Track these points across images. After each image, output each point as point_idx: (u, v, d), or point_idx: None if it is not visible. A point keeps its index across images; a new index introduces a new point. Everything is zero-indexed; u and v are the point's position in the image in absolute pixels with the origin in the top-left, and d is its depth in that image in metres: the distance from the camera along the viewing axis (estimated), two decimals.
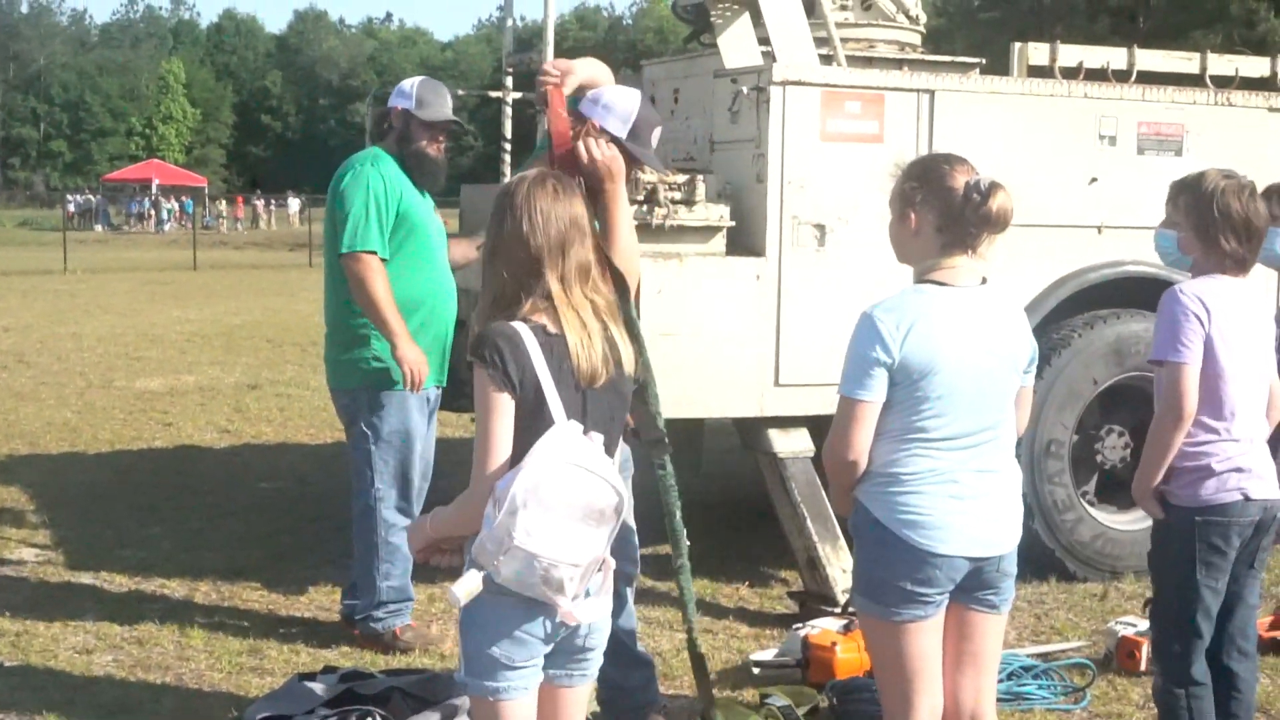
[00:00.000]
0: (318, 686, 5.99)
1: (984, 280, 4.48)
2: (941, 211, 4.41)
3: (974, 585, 4.46)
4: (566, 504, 3.68)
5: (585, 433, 3.82)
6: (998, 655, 4.74)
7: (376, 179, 6.85)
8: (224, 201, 77.95)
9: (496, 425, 3.80)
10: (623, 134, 5.44)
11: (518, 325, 3.86)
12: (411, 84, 7.13)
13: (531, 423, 3.80)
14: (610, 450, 3.99)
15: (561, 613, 3.79)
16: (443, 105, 7.09)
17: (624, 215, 5.14)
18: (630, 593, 5.82)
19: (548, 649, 3.92)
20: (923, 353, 4.28)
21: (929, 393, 4.30)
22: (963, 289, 4.40)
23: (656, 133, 5.59)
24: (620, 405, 4.06)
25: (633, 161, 5.51)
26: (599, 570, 3.88)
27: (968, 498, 4.36)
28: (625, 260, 4.82)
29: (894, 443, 4.36)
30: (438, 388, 7.07)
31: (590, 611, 3.88)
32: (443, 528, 4.01)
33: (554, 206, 3.96)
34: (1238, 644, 5.11)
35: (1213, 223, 4.93)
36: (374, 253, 6.76)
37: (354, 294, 6.82)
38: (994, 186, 4.39)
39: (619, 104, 5.50)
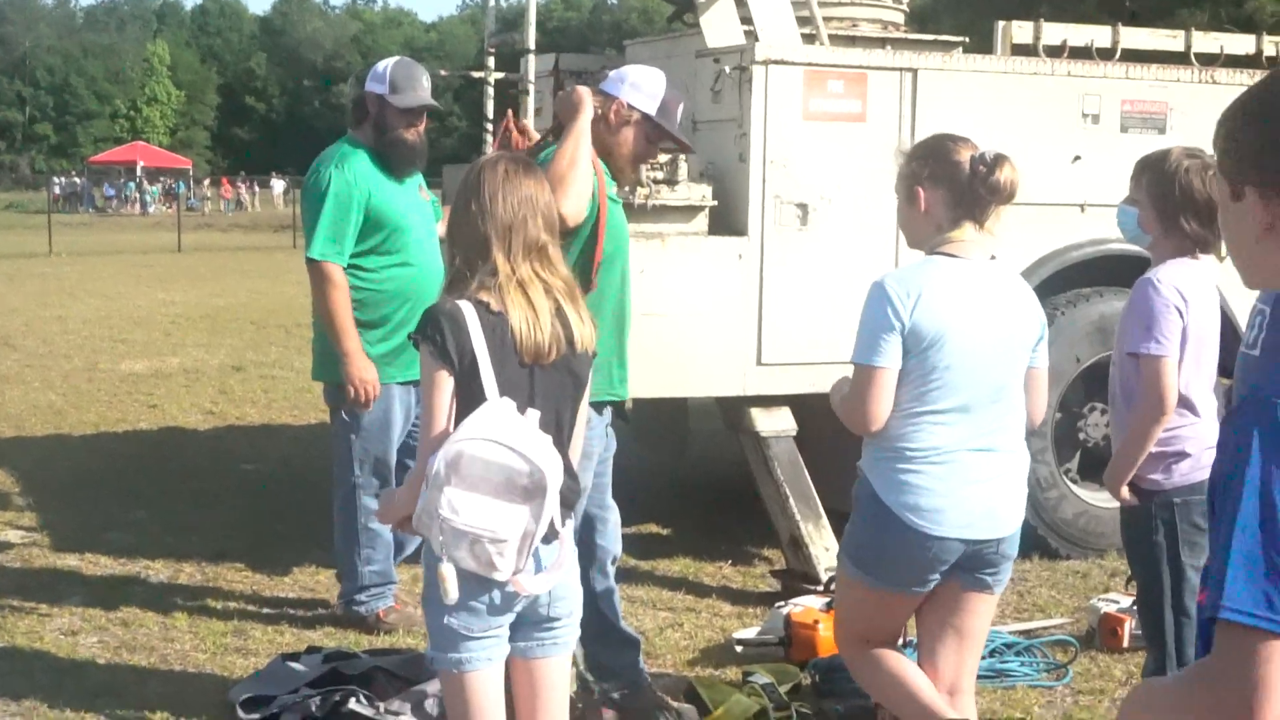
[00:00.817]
0: (301, 666, 6.02)
1: (993, 258, 4.52)
2: (950, 186, 4.46)
3: (973, 564, 4.48)
4: (486, 479, 3.74)
5: (524, 409, 3.87)
6: (984, 634, 4.78)
7: (340, 182, 6.77)
8: (209, 183, 77.75)
9: (437, 401, 3.90)
10: (653, 110, 5.53)
11: (461, 303, 3.93)
12: (385, 66, 7.00)
13: (468, 399, 3.88)
14: (561, 427, 4.04)
15: (512, 583, 3.84)
16: (418, 89, 6.96)
17: (573, 150, 5.22)
18: (612, 571, 5.84)
19: (507, 618, 3.97)
20: (932, 320, 4.30)
21: (937, 362, 4.32)
22: (972, 261, 4.43)
23: (681, 108, 5.70)
24: (573, 384, 4.10)
25: (662, 136, 5.62)
26: (550, 543, 3.93)
27: (971, 480, 4.39)
28: (560, 198, 4.81)
29: (902, 416, 4.39)
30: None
31: (541, 584, 3.92)
32: (399, 502, 4.07)
33: (503, 187, 4.02)
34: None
35: (1173, 201, 4.92)
36: (332, 261, 6.73)
37: (313, 301, 6.84)
38: (1000, 158, 4.45)
39: (646, 82, 5.58)
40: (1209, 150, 4.88)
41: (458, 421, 3.86)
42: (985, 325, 4.40)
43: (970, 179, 4.44)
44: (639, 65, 5.69)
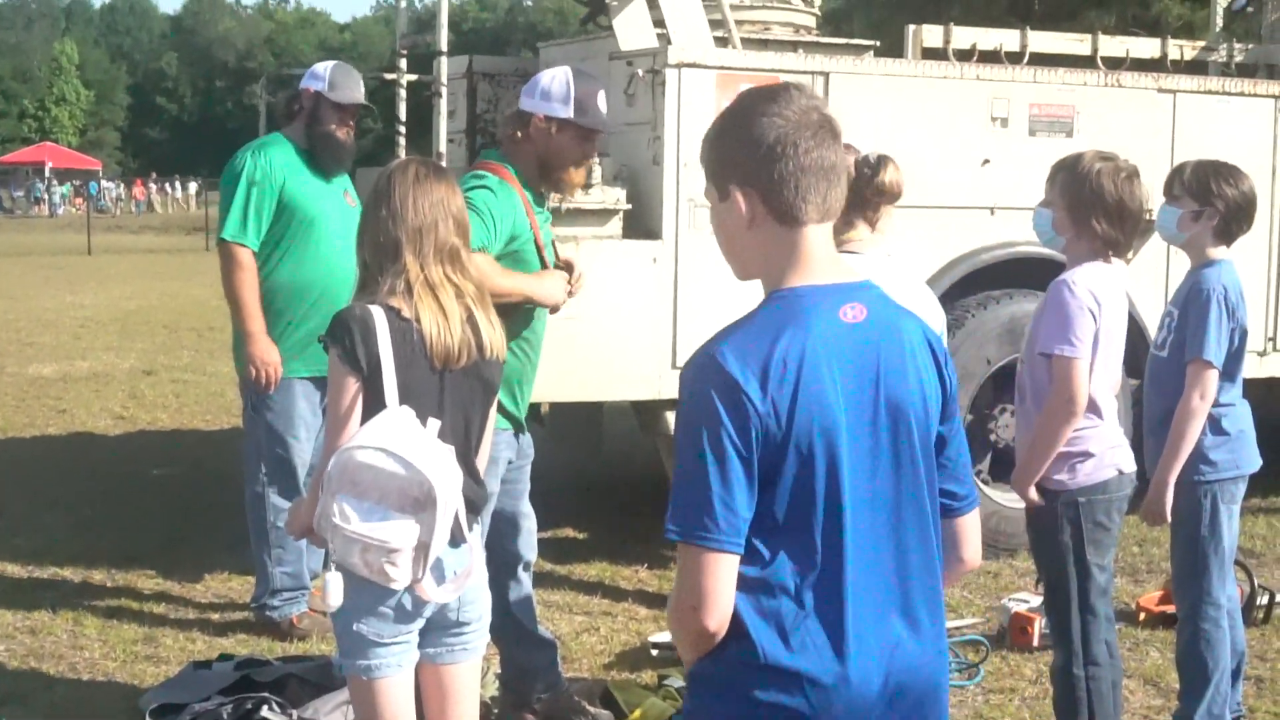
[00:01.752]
0: (213, 674, 5.96)
1: (889, 255, 4.57)
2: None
3: None
4: (378, 488, 3.74)
5: (429, 417, 3.87)
6: None
7: (253, 167, 6.87)
8: (121, 184, 76.84)
9: (342, 405, 3.91)
10: (570, 114, 5.42)
11: (372, 308, 3.93)
12: (325, 67, 7.17)
13: (373, 405, 3.87)
14: (469, 434, 4.05)
15: (416, 590, 3.83)
16: (355, 88, 7.13)
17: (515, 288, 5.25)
18: (527, 577, 5.83)
19: (416, 624, 3.97)
20: None
21: None
22: (869, 257, 4.48)
23: (601, 96, 5.55)
24: (482, 390, 4.11)
25: (592, 134, 5.51)
26: (458, 547, 3.92)
27: None
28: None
29: None
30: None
31: (446, 593, 3.91)
32: (304, 511, 4.07)
33: (414, 191, 4.02)
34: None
35: (1085, 203, 4.98)
36: (241, 244, 6.80)
37: (222, 283, 6.88)
38: (883, 159, 4.50)
39: (554, 87, 5.46)
40: (1121, 155, 4.97)
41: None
42: None
43: (856, 182, 4.49)
44: (547, 70, 5.63)
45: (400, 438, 3.76)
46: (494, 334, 4.07)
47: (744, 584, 2.74)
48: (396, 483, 3.72)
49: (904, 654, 2.80)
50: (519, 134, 5.44)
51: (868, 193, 4.52)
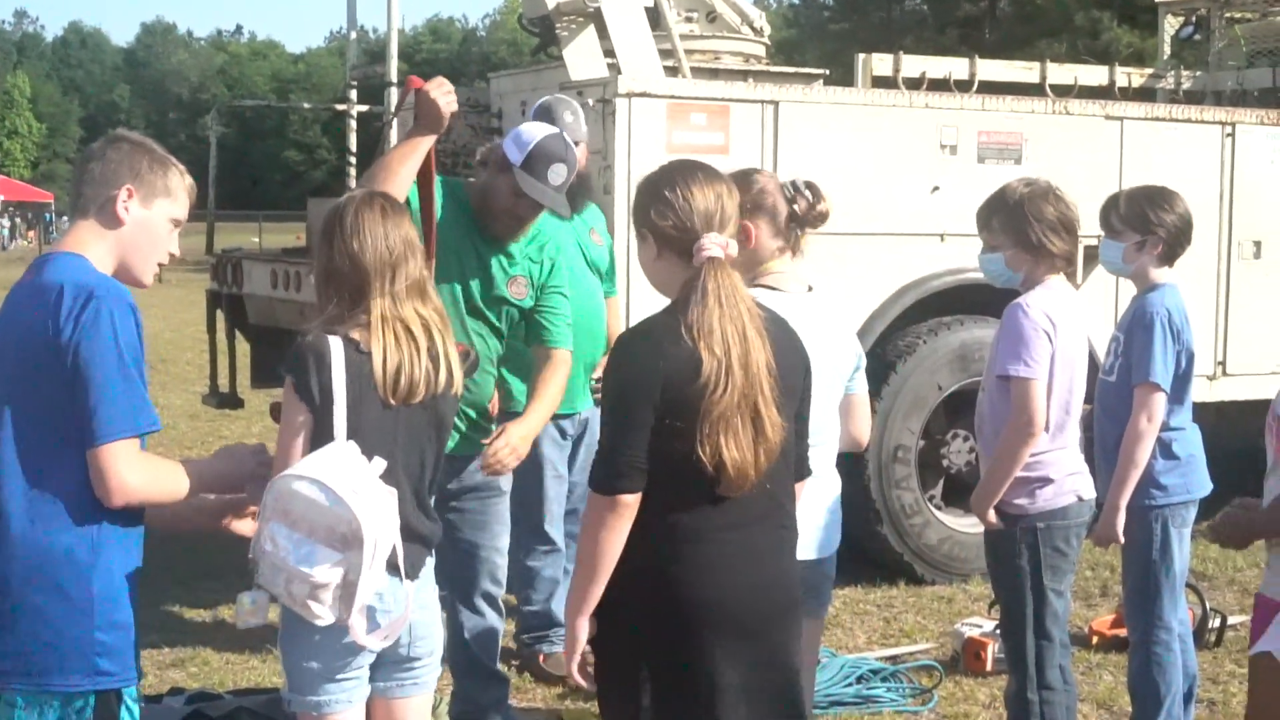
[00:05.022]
0: (164, 709, 5.91)
1: (810, 289, 4.55)
2: (771, 218, 4.48)
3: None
4: (308, 521, 3.67)
5: (375, 454, 3.80)
6: (815, 659, 4.81)
7: None
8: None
9: (290, 435, 3.86)
10: (518, 160, 5.35)
11: (331, 340, 3.87)
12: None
13: (321, 437, 3.83)
14: (424, 469, 4.02)
15: (351, 633, 3.77)
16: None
17: (404, 156, 5.08)
18: (490, 608, 5.78)
19: (367, 658, 3.93)
20: None
21: None
22: (790, 295, 4.46)
23: (557, 168, 5.38)
24: (437, 425, 4.05)
25: (517, 192, 5.37)
26: (396, 590, 3.87)
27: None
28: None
29: None
30: None
31: (374, 641, 3.85)
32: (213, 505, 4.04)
33: (382, 225, 3.97)
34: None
35: (1032, 229, 5.00)
36: None
37: None
38: (807, 185, 4.49)
39: (527, 131, 5.45)
40: (1054, 180, 4.99)
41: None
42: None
43: (792, 210, 4.48)
44: (535, 122, 5.59)
45: (336, 472, 3.70)
46: (455, 369, 4.03)
47: None
48: (325, 518, 3.65)
49: None
50: (482, 158, 5.46)
51: (810, 220, 4.49)
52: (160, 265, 3.78)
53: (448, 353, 4.01)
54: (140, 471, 3.58)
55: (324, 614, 3.71)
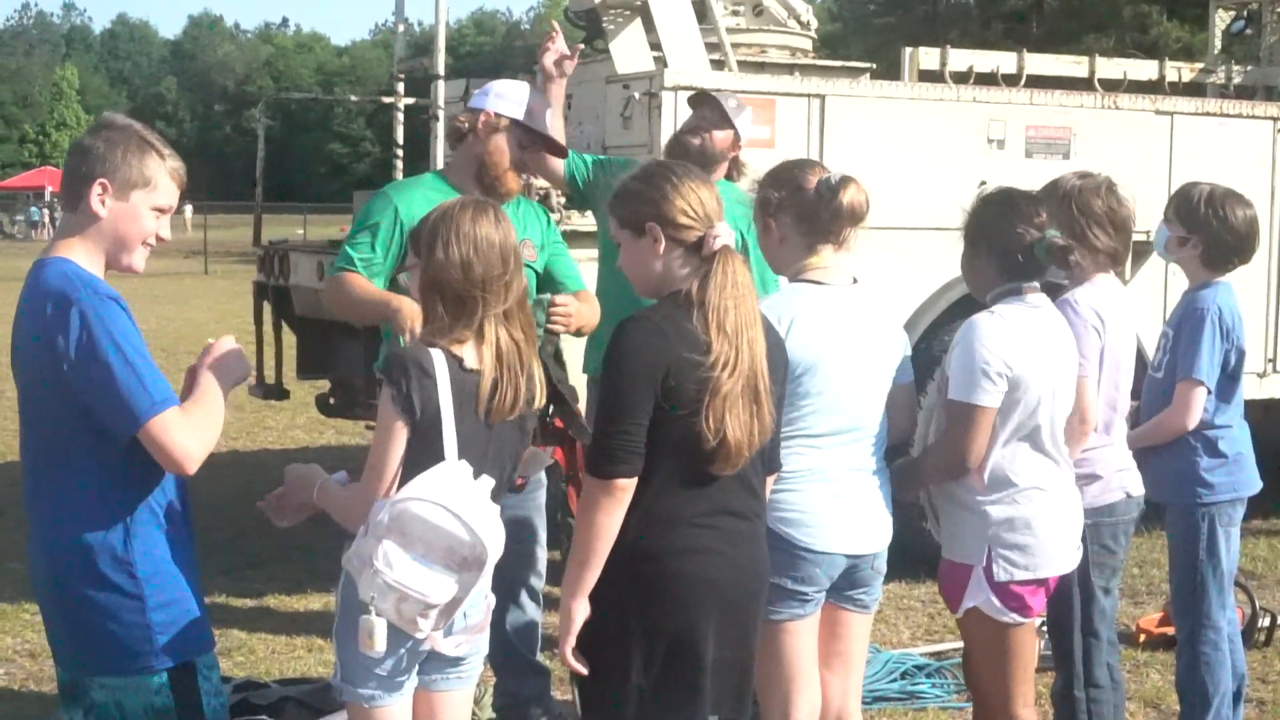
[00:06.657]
0: None
1: (855, 280, 4.53)
2: (798, 212, 4.46)
3: (846, 584, 4.49)
4: (427, 543, 3.64)
5: (477, 474, 3.76)
6: (864, 654, 4.80)
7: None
8: None
9: (389, 446, 3.78)
10: (520, 115, 5.50)
11: (435, 353, 3.80)
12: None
13: (423, 452, 3.76)
14: (504, 484, 3.99)
15: (428, 639, 3.77)
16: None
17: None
18: (531, 602, 5.78)
19: (422, 656, 3.91)
20: (805, 347, 4.30)
21: (811, 388, 4.32)
22: (836, 287, 4.45)
23: (550, 113, 5.67)
24: (521, 440, 4.04)
25: (533, 140, 5.56)
26: (477, 606, 3.88)
27: (844, 495, 4.40)
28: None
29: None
30: None
31: (451, 646, 3.85)
32: (327, 502, 3.98)
33: (496, 235, 3.88)
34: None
35: (1078, 223, 4.96)
36: None
37: None
38: (844, 180, 4.46)
39: (510, 91, 5.59)
40: (1118, 176, 4.94)
41: (405, 472, 3.76)
42: (853, 352, 4.40)
43: (816, 204, 4.46)
44: (501, 80, 5.69)
45: (459, 494, 3.66)
46: (539, 384, 3.99)
47: None
48: (447, 540, 3.62)
49: None
50: (465, 127, 5.50)
51: (826, 215, 4.45)
52: (148, 246, 3.74)
53: (537, 368, 3.98)
54: (188, 432, 3.65)
55: (427, 629, 3.72)
